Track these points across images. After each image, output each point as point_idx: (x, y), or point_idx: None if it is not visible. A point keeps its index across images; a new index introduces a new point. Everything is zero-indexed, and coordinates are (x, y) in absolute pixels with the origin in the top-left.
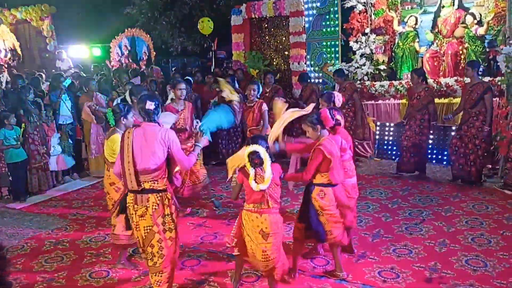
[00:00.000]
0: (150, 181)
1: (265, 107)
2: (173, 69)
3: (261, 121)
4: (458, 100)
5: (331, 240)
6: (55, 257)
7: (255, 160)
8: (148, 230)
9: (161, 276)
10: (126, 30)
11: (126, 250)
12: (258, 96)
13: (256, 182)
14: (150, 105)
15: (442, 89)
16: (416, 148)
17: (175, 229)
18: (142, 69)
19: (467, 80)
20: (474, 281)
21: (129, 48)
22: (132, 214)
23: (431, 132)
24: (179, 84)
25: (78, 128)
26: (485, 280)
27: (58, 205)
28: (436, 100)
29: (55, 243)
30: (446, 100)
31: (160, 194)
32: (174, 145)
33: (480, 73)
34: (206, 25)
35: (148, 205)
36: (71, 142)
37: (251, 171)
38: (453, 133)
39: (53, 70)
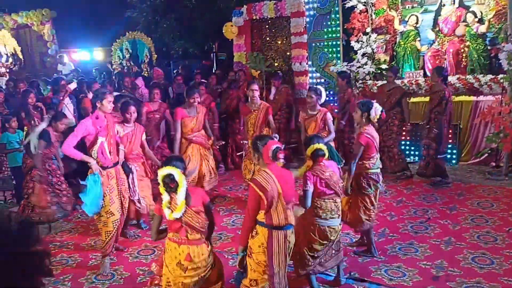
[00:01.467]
0: None
1: (329, 116)
2: (174, 71)
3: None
4: (459, 98)
5: None
6: (60, 259)
7: (170, 184)
8: None
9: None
10: (127, 33)
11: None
12: (320, 103)
13: (170, 209)
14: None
15: None
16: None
17: None
18: (143, 72)
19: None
20: (481, 279)
21: (130, 51)
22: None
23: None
24: (252, 85)
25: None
26: (492, 277)
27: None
28: None
29: (60, 246)
30: None
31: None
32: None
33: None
34: (229, 30)
35: None
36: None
37: (165, 197)
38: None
39: (55, 74)
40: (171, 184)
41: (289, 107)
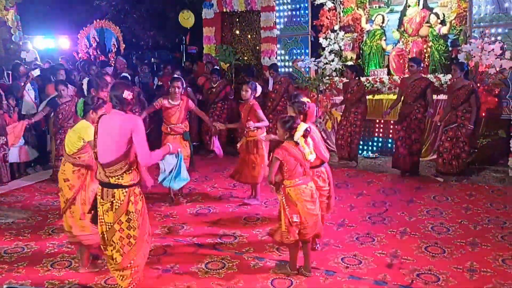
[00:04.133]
0: (115, 176)
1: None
2: (133, 57)
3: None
4: None
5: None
6: (15, 247)
7: (307, 134)
8: (109, 227)
9: (122, 272)
10: (95, 22)
11: (88, 251)
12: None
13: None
14: (128, 95)
15: None
16: (348, 139)
17: (138, 227)
18: (110, 61)
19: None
20: (433, 266)
21: (97, 40)
22: (99, 207)
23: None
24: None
25: (42, 119)
26: (443, 265)
27: (20, 197)
28: None
29: (16, 234)
30: None
31: (126, 189)
32: (137, 133)
33: (421, 68)
34: (184, 18)
35: (113, 201)
36: (35, 133)
37: (306, 148)
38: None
39: (16, 61)
40: (307, 134)
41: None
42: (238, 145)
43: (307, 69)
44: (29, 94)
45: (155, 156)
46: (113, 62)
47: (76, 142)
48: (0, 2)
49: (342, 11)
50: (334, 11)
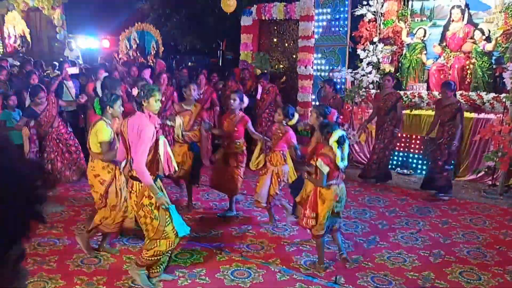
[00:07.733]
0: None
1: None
2: (172, 60)
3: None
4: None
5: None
6: (47, 241)
7: (343, 142)
8: (135, 213)
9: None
10: (136, 24)
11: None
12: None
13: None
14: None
15: None
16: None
17: (155, 218)
18: (149, 63)
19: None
20: None
21: (137, 42)
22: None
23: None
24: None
25: (81, 117)
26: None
27: (55, 190)
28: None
29: (49, 228)
30: None
31: (142, 184)
32: (141, 135)
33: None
34: (226, 2)
35: (132, 191)
36: (71, 129)
37: (339, 153)
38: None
39: (61, 59)
40: (342, 141)
41: (276, 106)
42: (216, 156)
43: (343, 80)
44: (70, 91)
45: (147, 173)
46: (152, 64)
47: (97, 144)
48: (48, 1)
49: (383, 23)
50: (374, 22)
